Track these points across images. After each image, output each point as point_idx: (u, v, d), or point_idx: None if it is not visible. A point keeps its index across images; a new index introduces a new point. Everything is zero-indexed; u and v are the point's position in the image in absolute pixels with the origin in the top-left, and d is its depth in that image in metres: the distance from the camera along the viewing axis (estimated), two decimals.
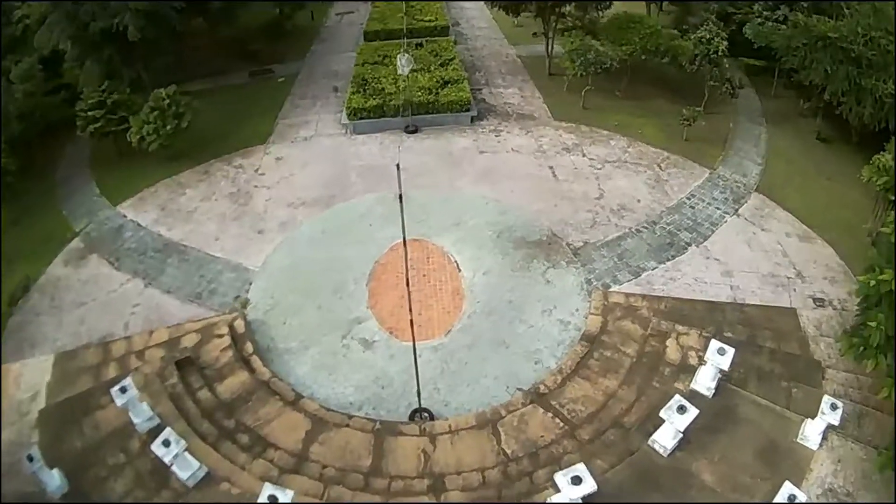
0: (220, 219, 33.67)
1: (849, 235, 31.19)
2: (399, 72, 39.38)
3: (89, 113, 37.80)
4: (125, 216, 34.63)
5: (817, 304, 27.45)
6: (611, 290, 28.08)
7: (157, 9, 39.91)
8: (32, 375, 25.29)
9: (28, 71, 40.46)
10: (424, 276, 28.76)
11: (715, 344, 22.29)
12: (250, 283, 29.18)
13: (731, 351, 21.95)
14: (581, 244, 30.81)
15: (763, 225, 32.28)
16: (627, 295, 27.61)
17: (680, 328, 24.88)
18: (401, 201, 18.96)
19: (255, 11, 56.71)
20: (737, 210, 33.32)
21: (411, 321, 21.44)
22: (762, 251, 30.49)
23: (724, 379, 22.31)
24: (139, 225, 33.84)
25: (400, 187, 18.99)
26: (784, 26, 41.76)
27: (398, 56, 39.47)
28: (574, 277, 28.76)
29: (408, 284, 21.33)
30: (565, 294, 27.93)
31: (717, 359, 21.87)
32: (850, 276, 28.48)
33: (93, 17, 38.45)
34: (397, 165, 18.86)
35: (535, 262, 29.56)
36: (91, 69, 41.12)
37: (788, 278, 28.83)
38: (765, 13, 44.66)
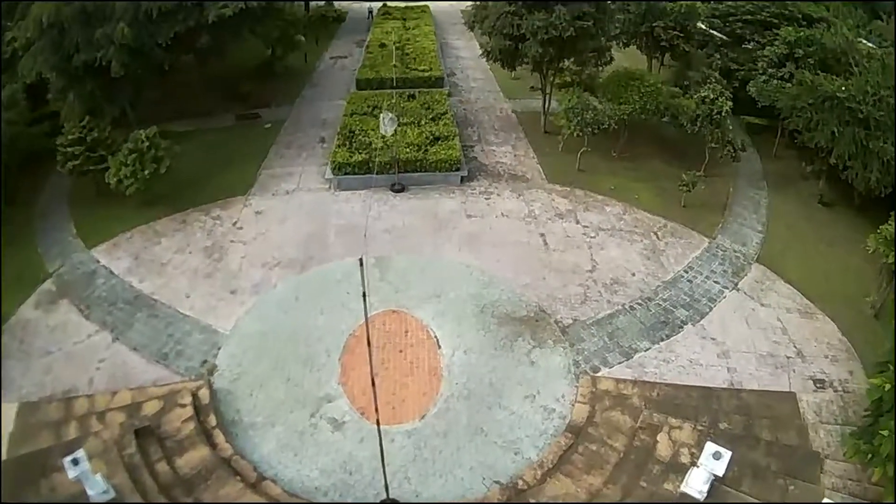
0: (192, 274, 32.70)
1: (850, 308, 30.40)
2: (381, 131, 38.66)
3: (68, 149, 37.06)
4: (98, 261, 33.83)
5: (818, 386, 26.49)
6: (600, 374, 27.10)
7: (143, 45, 39.21)
8: None
9: (11, 98, 39.88)
10: (401, 351, 27.73)
11: (711, 447, 21.09)
12: (219, 348, 28.16)
13: (727, 455, 20.77)
14: (570, 321, 29.87)
15: (763, 299, 31.42)
16: (617, 381, 26.55)
17: (673, 421, 23.77)
18: (361, 267, 17.86)
19: (246, 50, 56.00)
20: (736, 284, 32.46)
21: (376, 408, 20.27)
22: (760, 329, 29.57)
23: (718, 479, 21.29)
24: (112, 273, 32.97)
25: (362, 263, 18.00)
26: (789, 84, 40.95)
27: (381, 114, 38.78)
28: (561, 359, 27.78)
29: (372, 376, 20.27)
30: (551, 377, 26.91)
31: (712, 463, 20.73)
32: (852, 353, 27.82)
33: (77, 48, 37.74)
34: (360, 260, 17.79)
35: (519, 340, 28.59)
36: (74, 103, 40.36)
37: (788, 358, 27.86)
38: (769, 70, 44.04)
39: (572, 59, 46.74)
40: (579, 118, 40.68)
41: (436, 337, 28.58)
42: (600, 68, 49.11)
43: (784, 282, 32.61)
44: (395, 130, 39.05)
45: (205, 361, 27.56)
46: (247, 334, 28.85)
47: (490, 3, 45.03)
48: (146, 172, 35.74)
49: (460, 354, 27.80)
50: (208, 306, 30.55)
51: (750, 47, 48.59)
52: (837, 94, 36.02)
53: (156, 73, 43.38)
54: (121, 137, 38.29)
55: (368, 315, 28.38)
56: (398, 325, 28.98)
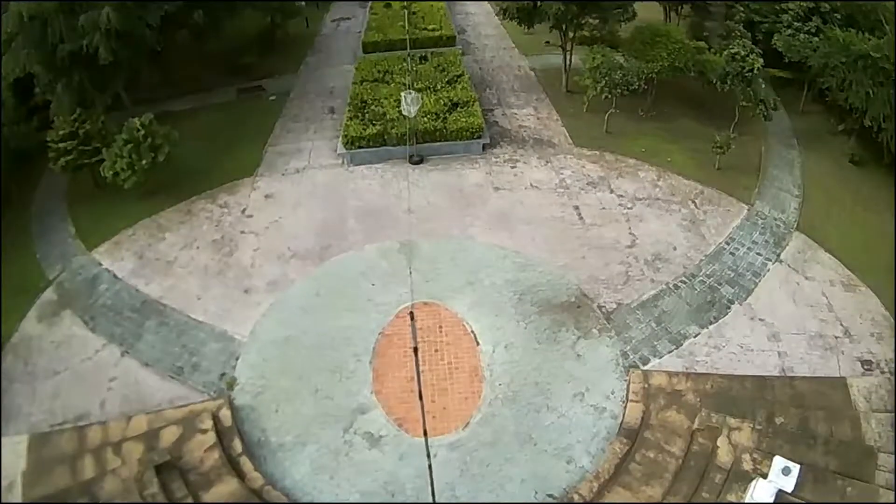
0: (202, 273, 30.83)
1: (890, 278, 28.98)
2: (405, 113, 36.17)
3: (60, 145, 34.91)
4: (100, 264, 31.98)
5: (866, 368, 25.62)
6: (650, 367, 25.43)
7: (131, 28, 36.71)
8: (7, 459, 23.00)
9: None
10: (437, 351, 25.84)
11: (779, 461, 20.23)
12: (237, 358, 26.40)
13: (795, 469, 20.05)
14: (614, 306, 28.11)
15: (806, 272, 30.16)
16: (670, 375, 24.85)
17: (731, 422, 22.35)
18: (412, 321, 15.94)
19: (244, 19, 53.09)
20: (778, 255, 31.09)
21: (424, 431, 18.40)
22: (808, 305, 28.35)
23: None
24: (115, 276, 31.13)
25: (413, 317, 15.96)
26: (816, 38, 39.59)
27: (403, 94, 36.23)
28: (608, 349, 26.01)
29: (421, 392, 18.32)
30: (598, 372, 25.17)
31: (782, 480, 19.93)
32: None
33: (61, 38, 35.35)
34: (410, 315, 15.79)
35: (562, 330, 26.76)
36: (62, 95, 37.58)
37: (836, 338, 26.79)
38: (795, 24, 42.07)
39: (594, 15, 44.06)
40: (607, 78, 38.26)
41: (473, 332, 26.68)
42: (621, 25, 46.55)
43: (825, 251, 31.42)
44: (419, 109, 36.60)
45: (223, 374, 25.84)
46: (267, 341, 27.01)
47: None
48: (144, 163, 33.58)
49: (501, 351, 25.95)
50: (222, 309, 28.71)
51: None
52: (872, 54, 34.69)
53: (147, 56, 40.86)
54: (117, 124, 36.07)
55: (398, 310, 27.13)
56: (432, 320, 27.01)
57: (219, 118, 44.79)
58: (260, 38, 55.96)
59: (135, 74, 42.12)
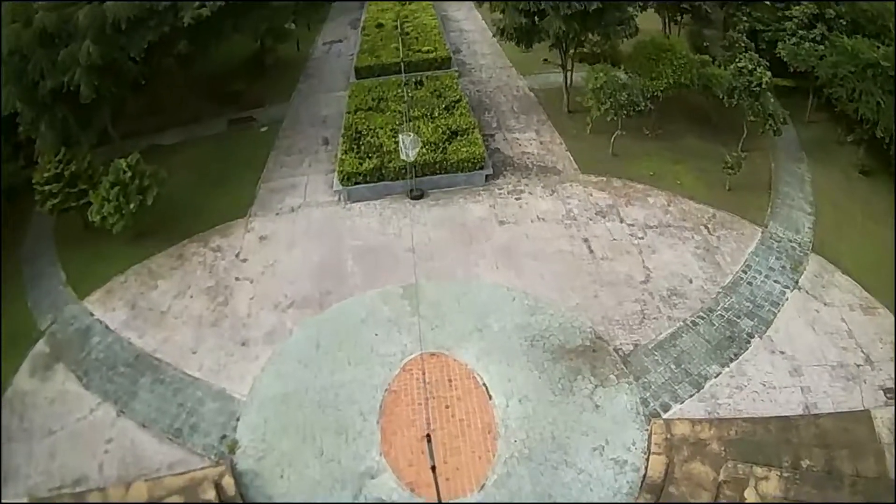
0: (196, 323, 29.87)
1: None
2: (403, 157, 35.11)
3: (46, 187, 34.09)
4: (92, 314, 31.14)
5: (888, 396, 25.15)
6: (672, 413, 24.57)
7: (113, 61, 35.75)
8: None
9: None
10: (447, 407, 24.89)
11: None
12: (237, 419, 25.40)
13: None
14: (631, 348, 27.21)
15: (825, 297, 29.60)
16: (693, 423, 23.93)
17: (758, 471, 21.70)
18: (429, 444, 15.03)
19: (232, 43, 51.72)
20: (796, 282, 30.50)
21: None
22: (827, 334, 27.75)
23: None
24: (108, 328, 30.25)
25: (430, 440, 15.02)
26: (822, 46, 39.18)
27: (401, 136, 35.13)
28: (627, 397, 25.10)
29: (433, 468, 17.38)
30: (618, 422, 24.24)
31: None
32: None
33: (41, 74, 34.40)
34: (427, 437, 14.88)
35: (578, 378, 25.81)
36: (46, 133, 36.47)
37: (858, 366, 26.28)
38: (799, 32, 41.37)
39: (596, 31, 42.66)
40: (612, 99, 37.39)
41: (485, 384, 25.67)
42: (624, 40, 45.34)
43: (841, 273, 31.01)
44: (418, 152, 35.58)
45: (224, 437, 24.83)
46: (267, 398, 25.99)
47: None
48: (132, 206, 32.66)
49: (515, 404, 24.95)
50: (218, 364, 27.75)
51: (777, 6, 45.49)
52: (882, 63, 34.29)
53: (131, 89, 39.97)
54: (104, 160, 35.28)
55: (403, 362, 26.19)
56: (440, 373, 26.07)
57: (209, 151, 43.95)
58: (249, 64, 55.16)
59: (120, 108, 41.14)
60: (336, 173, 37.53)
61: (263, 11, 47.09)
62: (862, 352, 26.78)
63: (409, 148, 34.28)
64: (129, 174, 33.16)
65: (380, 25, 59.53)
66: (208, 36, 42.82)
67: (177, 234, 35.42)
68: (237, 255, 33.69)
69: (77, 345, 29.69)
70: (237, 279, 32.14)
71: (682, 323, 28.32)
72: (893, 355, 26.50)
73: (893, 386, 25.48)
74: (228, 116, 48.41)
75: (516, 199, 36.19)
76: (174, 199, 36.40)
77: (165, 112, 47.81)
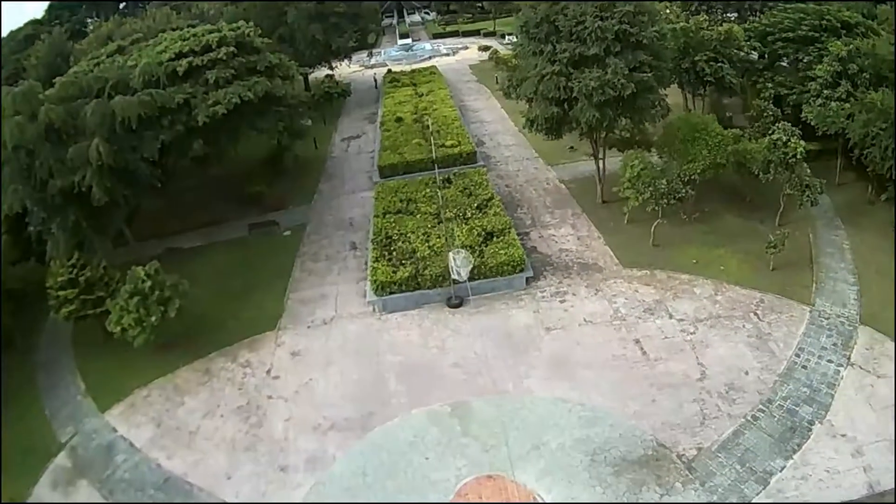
0: (229, 447, 28.95)
1: None
2: (454, 276, 34.65)
3: (60, 293, 33.66)
4: (115, 430, 30.51)
5: None
6: None
7: (125, 162, 35.56)
8: None
9: None
10: None
11: None
12: None
13: None
14: (694, 452, 26.40)
15: (878, 370, 29.45)
16: None
17: None
18: None
19: (250, 139, 51.94)
20: (849, 358, 30.31)
21: None
22: (884, 408, 27.43)
23: None
24: (132, 445, 29.55)
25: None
26: (847, 104, 39.08)
27: (451, 255, 34.59)
28: None
29: None
30: None
31: None
32: None
33: (50, 172, 34.12)
34: None
35: (643, 490, 24.90)
36: (58, 237, 36.04)
37: None
38: (824, 91, 41.38)
39: (627, 116, 42.11)
40: (651, 189, 37.22)
41: None
42: (657, 122, 45.35)
43: (891, 341, 30.71)
44: (469, 266, 34.91)
45: None
46: None
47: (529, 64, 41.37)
48: (153, 319, 32.02)
49: None
50: (257, 492, 26.71)
51: (798, 67, 46.51)
52: None
53: (145, 192, 39.62)
54: (120, 264, 35.12)
55: (457, 488, 25.06)
56: (499, 497, 24.98)
57: (231, 258, 43.82)
58: (268, 164, 55.46)
59: (135, 209, 40.84)
60: (368, 282, 36.99)
61: (280, 108, 47.51)
62: None
63: (461, 267, 33.88)
64: (149, 284, 32.58)
65: (399, 119, 60.08)
66: (224, 135, 43.00)
67: (202, 346, 34.92)
68: (268, 372, 33.01)
69: (100, 462, 29.06)
70: (270, 398, 31.37)
71: (743, 419, 27.75)
72: None
73: None
74: (249, 220, 48.45)
75: (560, 301, 35.63)
76: (197, 309, 35.94)
77: (183, 214, 47.89)
